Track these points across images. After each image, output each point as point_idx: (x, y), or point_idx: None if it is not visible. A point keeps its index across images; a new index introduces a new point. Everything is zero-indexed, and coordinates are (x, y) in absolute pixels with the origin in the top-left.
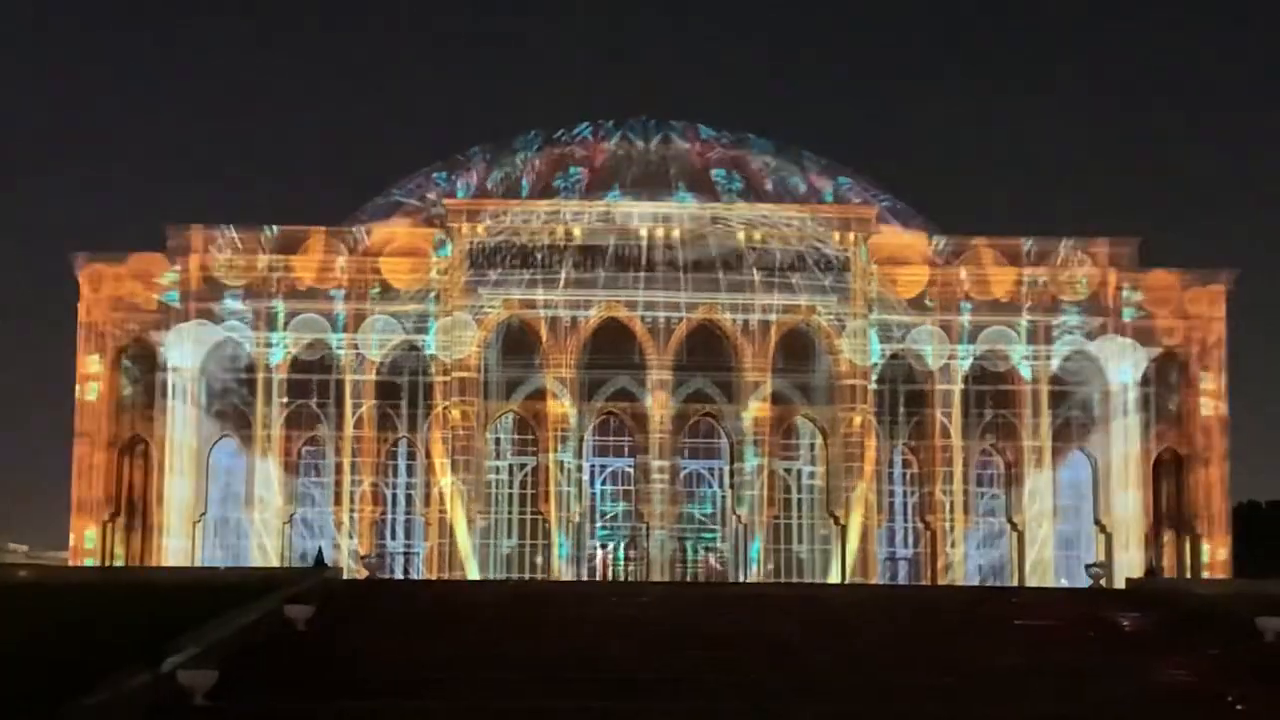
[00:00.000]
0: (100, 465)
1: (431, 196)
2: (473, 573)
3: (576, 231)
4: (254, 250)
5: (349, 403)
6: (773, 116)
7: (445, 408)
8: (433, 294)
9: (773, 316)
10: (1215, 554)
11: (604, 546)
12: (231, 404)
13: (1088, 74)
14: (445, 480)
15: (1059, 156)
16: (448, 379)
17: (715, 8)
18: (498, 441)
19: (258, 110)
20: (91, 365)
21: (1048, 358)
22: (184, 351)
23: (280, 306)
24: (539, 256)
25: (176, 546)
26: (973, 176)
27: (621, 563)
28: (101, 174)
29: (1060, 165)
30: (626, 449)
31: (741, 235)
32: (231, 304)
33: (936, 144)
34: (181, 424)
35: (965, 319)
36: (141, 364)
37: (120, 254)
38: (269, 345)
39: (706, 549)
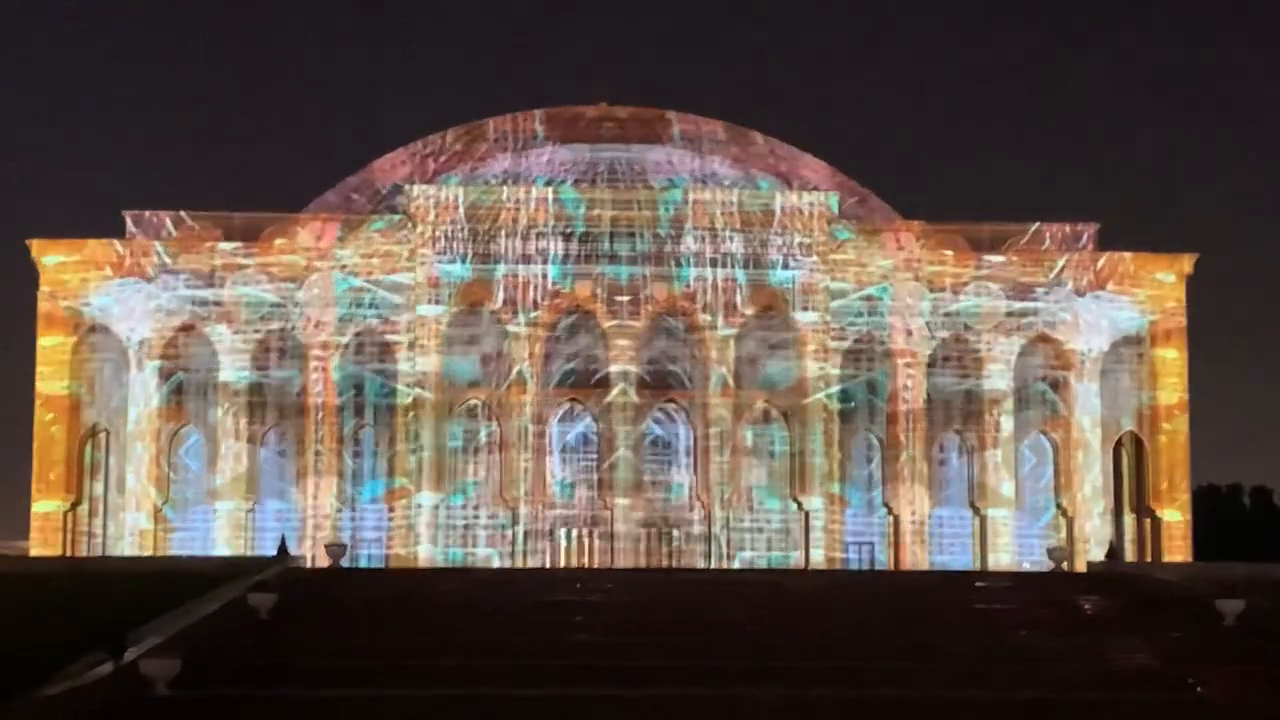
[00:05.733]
0: (60, 453)
1: (394, 181)
2: (436, 561)
3: (538, 215)
4: (215, 235)
5: (311, 388)
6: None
7: (407, 394)
8: (395, 279)
9: (738, 297)
10: (1175, 537)
11: (568, 533)
12: (193, 390)
13: (1048, 58)
14: (408, 467)
15: (1018, 140)
16: (410, 364)
17: None
18: (460, 427)
19: (220, 95)
20: (51, 353)
21: (1009, 341)
22: (144, 337)
23: (240, 291)
24: (501, 240)
25: (139, 535)
26: (930, 160)
27: (586, 549)
28: (60, 158)
29: (1020, 149)
30: (590, 434)
31: (706, 215)
32: (191, 289)
33: (892, 127)
34: (142, 411)
35: (929, 301)
36: (102, 351)
37: (79, 239)
38: (230, 331)
39: (671, 535)
